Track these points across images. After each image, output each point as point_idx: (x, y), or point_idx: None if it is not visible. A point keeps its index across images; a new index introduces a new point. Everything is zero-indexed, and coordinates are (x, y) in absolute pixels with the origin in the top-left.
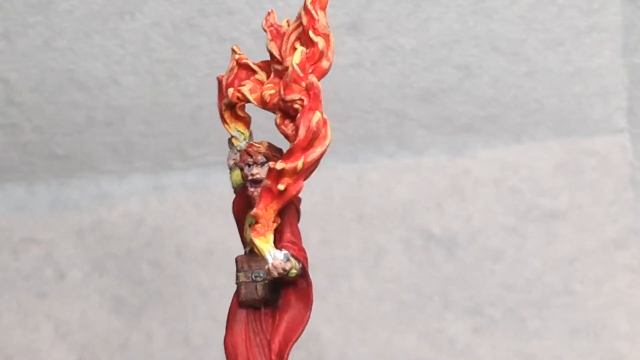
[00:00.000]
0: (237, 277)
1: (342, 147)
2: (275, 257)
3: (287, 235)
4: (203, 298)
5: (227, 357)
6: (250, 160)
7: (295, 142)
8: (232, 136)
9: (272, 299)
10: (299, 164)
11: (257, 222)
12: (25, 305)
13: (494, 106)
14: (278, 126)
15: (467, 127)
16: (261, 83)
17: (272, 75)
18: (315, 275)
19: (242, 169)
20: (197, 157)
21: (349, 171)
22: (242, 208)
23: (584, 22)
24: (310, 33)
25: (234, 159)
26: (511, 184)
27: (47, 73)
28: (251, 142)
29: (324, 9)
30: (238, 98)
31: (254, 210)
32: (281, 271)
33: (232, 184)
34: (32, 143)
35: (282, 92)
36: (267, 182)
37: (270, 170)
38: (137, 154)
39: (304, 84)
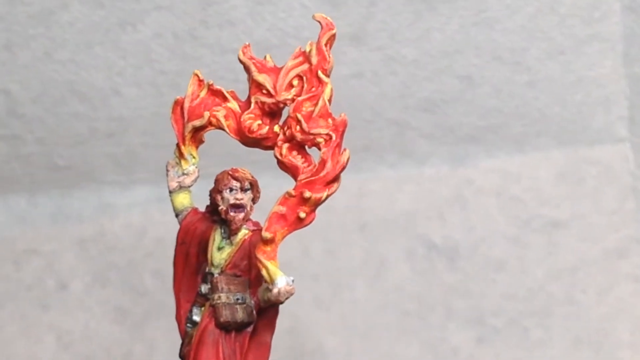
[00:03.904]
0: (219, 298)
1: None
2: (288, 282)
3: None
4: None
5: None
6: (235, 185)
7: (321, 175)
8: (183, 158)
9: (247, 323)
10: (324, 195)
11: (266, 245)
12: (27, 316)
13: (495, 116)
14: (283, 156)
15: (468, 137)
16: (233, 112)
17: (252, 107)
18: (318, 285)
19: (219, 192)
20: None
21: (351, 181)
22: (201, 232)
23: (585, 32)
24: (320, 73)
25: (178, 182)
26: (513, 193)
27: (49, 84)
28: (235, 168)
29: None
30: (211, 123)
31: (268, 234)
32: (289, 296)
33: (178, 206)
34: (33, 154)
35: (303, 124)
36: (282, 208)
37: (290, 196)
38: (139, 165)
39: (330, 120)
